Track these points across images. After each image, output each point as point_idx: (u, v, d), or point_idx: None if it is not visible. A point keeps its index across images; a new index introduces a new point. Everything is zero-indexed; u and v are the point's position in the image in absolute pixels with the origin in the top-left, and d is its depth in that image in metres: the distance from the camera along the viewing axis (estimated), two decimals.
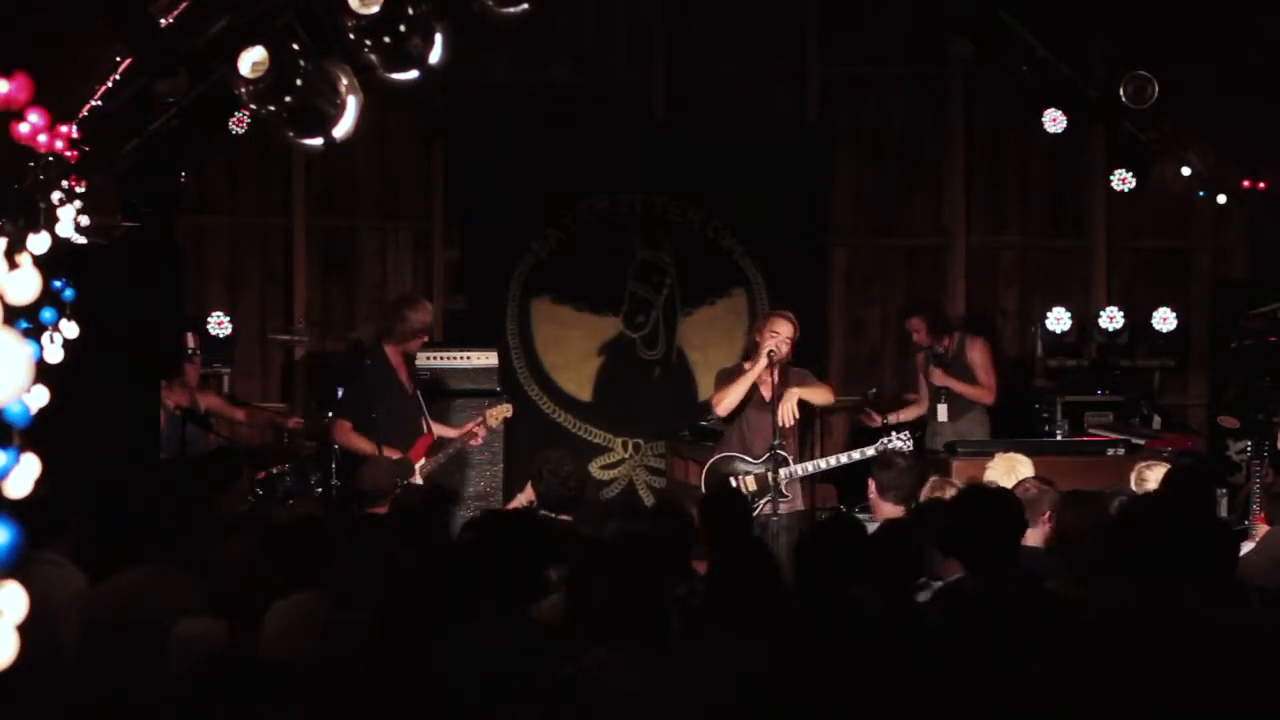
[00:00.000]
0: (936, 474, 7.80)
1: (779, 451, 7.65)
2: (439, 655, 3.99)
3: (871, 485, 6.72)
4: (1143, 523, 4.33)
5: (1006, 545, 4.76)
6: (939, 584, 5.13)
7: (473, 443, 8.41)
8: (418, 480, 7.85)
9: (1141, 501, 5.81)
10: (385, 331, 8.31)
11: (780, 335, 7.81)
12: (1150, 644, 3.67)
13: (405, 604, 4.03)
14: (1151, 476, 6.67)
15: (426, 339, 8.57)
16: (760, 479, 7.74)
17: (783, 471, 7.60)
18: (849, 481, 8.39)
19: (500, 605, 4.35)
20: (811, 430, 8.94)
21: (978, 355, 9.55)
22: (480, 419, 8.49)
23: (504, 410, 8.62)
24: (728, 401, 7.89)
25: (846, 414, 10.65)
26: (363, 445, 8.00)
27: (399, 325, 8.20)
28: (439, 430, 8.46)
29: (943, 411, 9.04)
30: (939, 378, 9.30)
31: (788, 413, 7.71)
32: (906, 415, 9.30)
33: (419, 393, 8.39)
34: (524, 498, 7.05)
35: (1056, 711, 2.96)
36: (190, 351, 9.19)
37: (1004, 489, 5.66)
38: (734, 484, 7.73)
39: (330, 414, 8.68)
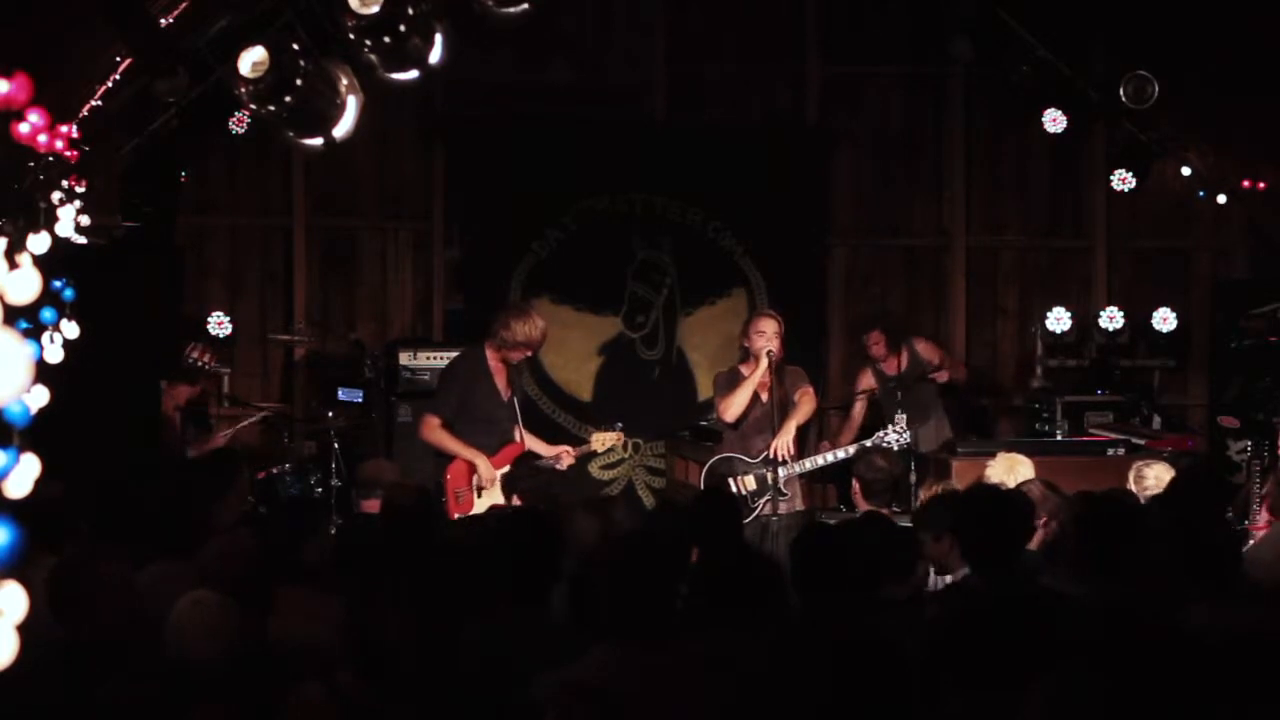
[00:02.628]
0: (935, 475, 7.82)
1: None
2: (437, 654, 3.99)
3: (855, 485, 6.74)
4: (1147, 524, 4.33)
5: (1013, 546, 4.77)
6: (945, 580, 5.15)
7: (559, 466, 7.89)
8: (496, 494, 7.54)
9: (1148, 503, 5.82)
10: (490, 333, 7.88)
11: (767, 334, 7.85)
12: (1147, 643, 3.67)
13: (393, 602, 4.03)
14: (1150, 474, 6.67)
15: (530, 353, 8.02)
16: (759, 478, 7.75)
17: (781, 470, 7.60)
18: (849, 481, 8.38)
19: (515, 602, 4.37)
20: (811, 429, 8.94)
21: (924, 349, 9.67)
22: (585, 446, 8.15)
23: (609, 438, 8.18)
24: (735, 408, 7.90)
25: (844, 413, 10.66)
26: (450, 444, 7.64)
27: (502, 331, 7.78)
28: (533, 445, 7.98)
29: (902, 422, 8.16)
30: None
31: (785, 446, 7.68)
32: (844, 439, 9.07)
33: (515, 401, 7.94)
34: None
35: (1058, 708, 2.97)
36: (205, 366, 9.16)
37: (1011, 490, 5.67)
38: (733, 484, 7.73)
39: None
